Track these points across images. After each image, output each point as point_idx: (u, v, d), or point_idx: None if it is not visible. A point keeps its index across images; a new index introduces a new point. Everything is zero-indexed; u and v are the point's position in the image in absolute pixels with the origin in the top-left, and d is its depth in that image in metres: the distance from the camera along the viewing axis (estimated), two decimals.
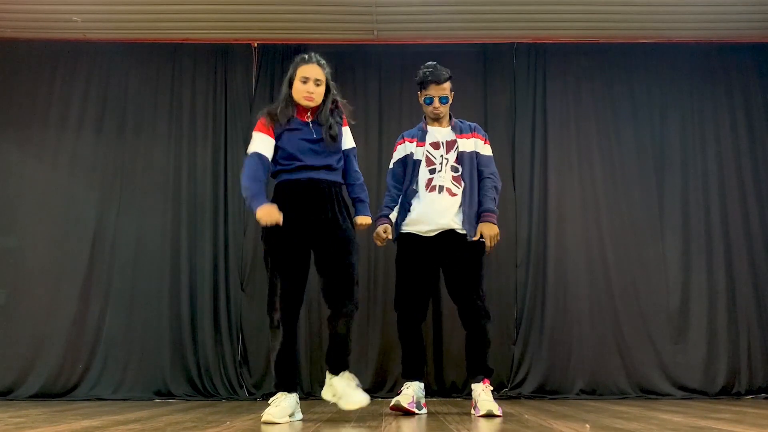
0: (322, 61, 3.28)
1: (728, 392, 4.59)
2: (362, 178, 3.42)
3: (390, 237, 3.64)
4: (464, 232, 3.53)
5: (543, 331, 4.68)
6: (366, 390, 4.42)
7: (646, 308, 4.70)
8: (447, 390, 4.57)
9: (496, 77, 4.96)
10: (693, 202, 4.85)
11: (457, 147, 3.64)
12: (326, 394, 3.18)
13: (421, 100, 3.71)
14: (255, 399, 4.49)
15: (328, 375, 3.18)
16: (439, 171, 3.60)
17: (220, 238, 4.77)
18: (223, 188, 4.81)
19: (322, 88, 3.25)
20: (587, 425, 2.74)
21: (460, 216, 3.55)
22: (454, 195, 3.57)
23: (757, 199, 4.85)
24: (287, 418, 3.03)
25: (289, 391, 3.12)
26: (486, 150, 3.72)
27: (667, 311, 4.71)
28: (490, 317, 3.60)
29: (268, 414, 2.99)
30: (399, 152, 3.76)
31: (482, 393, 3.41)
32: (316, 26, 4.85)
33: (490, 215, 3.57)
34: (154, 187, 4.83)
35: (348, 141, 3.38)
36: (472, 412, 3.41)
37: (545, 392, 4.55)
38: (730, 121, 4.95)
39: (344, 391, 3.09)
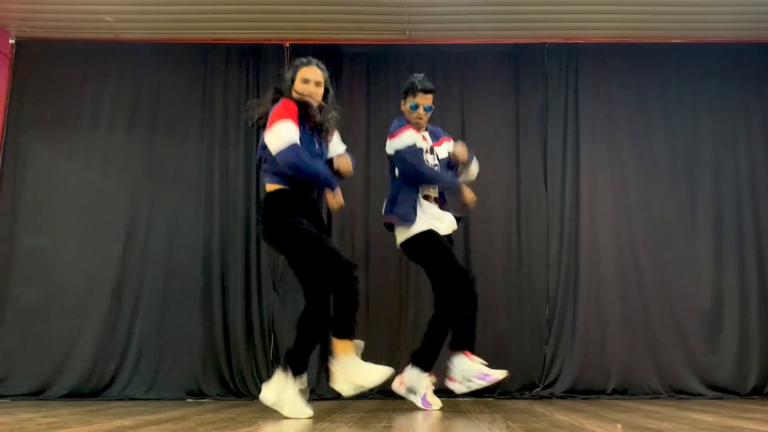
0: (322, 65, 3.37)
1: (760, 392, 4.58)
2: None
3: None
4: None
5: (575, 331, 4.68)
6: None
7: (677, 308, 4.70)
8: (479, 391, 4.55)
9: (528, 77, 4.96)
10: (725, 202, 4.84)
11: (436, 155, 3.85)
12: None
13: (407, 106, 3.83)
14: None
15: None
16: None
17: (251, 237, 4.76)
18: (255, 188, 4.80)
19: (321, 90, 3.33)
20: (619, 425, 2.74)
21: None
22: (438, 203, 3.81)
23: None
24: None
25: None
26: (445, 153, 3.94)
27: (699, 311, 4.71)
28: None
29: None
30: (411, 137, 3.74)
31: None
32: (348, 26, 4.85)
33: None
34: (185, 186, 4.84)
35: (339, 147, 3.49)
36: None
37: (577, 392, 4.55)
38: (762, 120, 4.94)
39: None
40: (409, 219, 3.67)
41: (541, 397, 4.49)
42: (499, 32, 4.94)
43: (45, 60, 4.98)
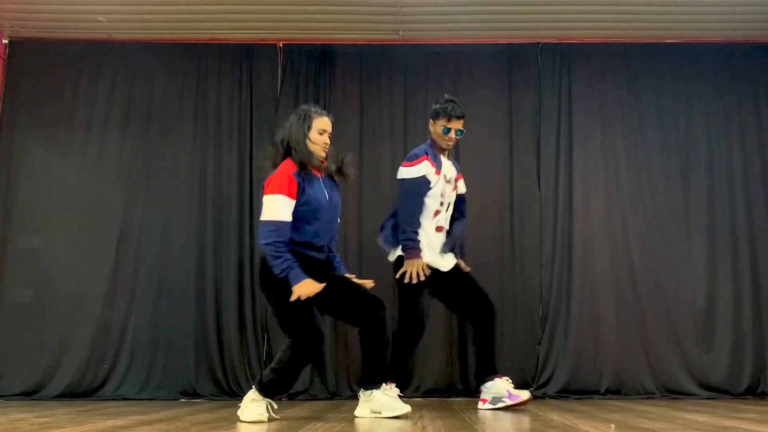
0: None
1: (753, 392, 4.59)
2: None
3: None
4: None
5: (568, 331, 4.68)
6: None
7: (671, 308, 4.70)
8: (472, 390, 4.57)
9: (521, 77, 4.97)
10: (718, 202, 4.85)
11: (457, 189, 3.91)
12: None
13: (438, 129, 3.81)
14: (280, 399, 4.48)
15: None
16: (446, 210, 3.83)
17: (245, 237, 4.77)
18: (249, 188, 4.82)
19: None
20: (612, 425, 2.75)
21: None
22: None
23: None
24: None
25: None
26: (464, 188, 4.01)
27: (693, 311, 4.71)
28: None
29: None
30: (422, 169, 3.72)
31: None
32: (341, 26, 4.85)
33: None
34: (179, 187, 4.84)
35: None
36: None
37: (570, 392, 4.56)
38: (756, 120, 4.95)
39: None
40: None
41: (534, 397, 4.45)
42: (492, 32, 4.94)
43: (38, 60, 4.98)
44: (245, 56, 4.99)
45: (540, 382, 4.60)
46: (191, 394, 4.54)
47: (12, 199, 4.81)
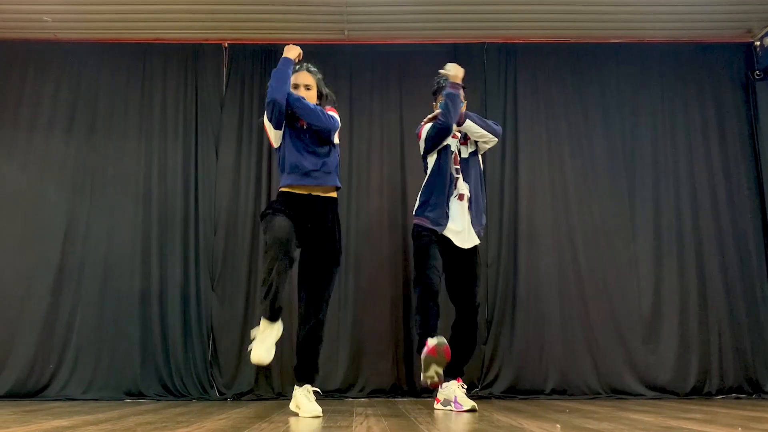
0: (313, 68, 3.54)
1: (699, 392, 4.58)
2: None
3: None
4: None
5: (514, 331, 4.67)
6: (337, 390, 4.47)
7: (617, 308, 4.69)
8: (417, 390, 4.56)
9: (467, 77, 4.82)
10: (664, 201, 4.85)
11: (460, 154, 3.84)
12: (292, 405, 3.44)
13: (437, 107, 3.88)
14: (226, 399, 4.49)
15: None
16: (458, 177, 3.80)
17: (190, 238, 4.76)
18: (194, 188, 4.81)
19: (312, 93, 3.49)
20: (558, 425, 2.73)
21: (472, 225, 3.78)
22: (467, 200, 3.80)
23: (727, 198, 4.85)
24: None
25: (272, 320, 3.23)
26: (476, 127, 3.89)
27: (639, 311, 4.70)
28: None
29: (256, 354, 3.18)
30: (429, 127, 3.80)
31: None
32: (286, 26, 4.84)
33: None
34: (124, 187, 4.82)
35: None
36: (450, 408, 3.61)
37: (516, 392, 4.54)
38: (701, 120, 4.95)
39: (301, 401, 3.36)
40: (441, 224, 3.71)
41: (479, 397, 4.46)
42: (437, 32, 4.94)
43: None
44: (190, 56, 4.98)
45: (486, 382, 4.58)
46: (136, 394, 4.52)
47: None
